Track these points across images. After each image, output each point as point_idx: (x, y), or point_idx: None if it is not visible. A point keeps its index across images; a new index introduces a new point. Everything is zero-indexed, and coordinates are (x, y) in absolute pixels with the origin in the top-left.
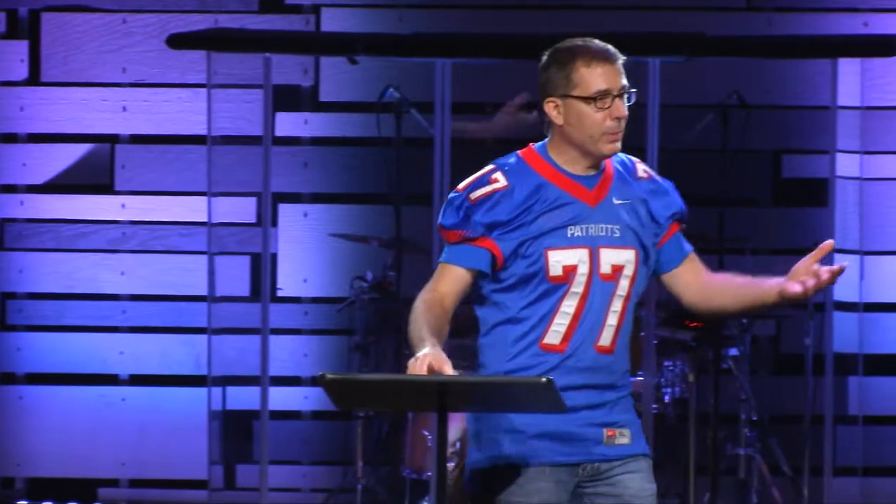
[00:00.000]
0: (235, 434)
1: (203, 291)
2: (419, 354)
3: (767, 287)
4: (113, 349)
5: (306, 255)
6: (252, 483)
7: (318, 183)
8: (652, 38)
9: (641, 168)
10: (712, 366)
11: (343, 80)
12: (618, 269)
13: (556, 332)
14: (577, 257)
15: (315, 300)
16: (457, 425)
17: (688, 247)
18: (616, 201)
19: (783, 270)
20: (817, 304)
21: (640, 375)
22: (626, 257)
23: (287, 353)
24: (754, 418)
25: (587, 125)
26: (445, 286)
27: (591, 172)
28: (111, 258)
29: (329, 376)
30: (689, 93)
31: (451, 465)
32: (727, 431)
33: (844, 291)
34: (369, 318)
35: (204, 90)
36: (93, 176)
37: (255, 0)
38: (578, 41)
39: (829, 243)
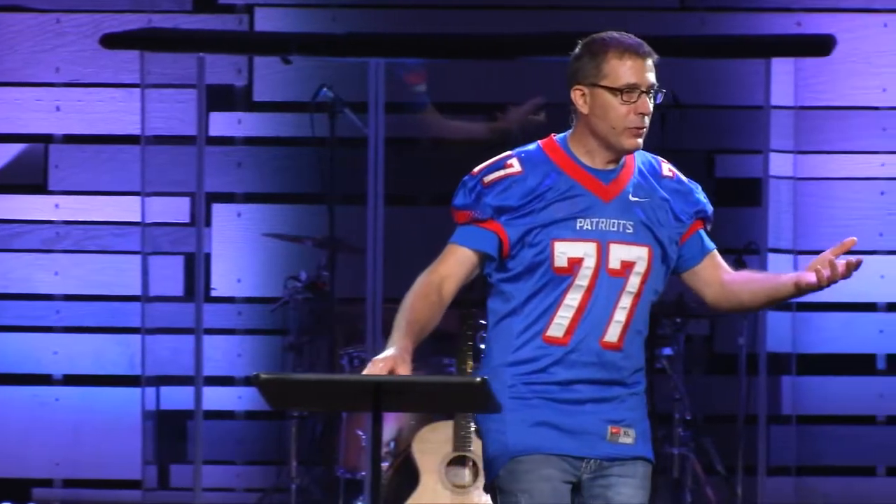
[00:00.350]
0: (169, 434)
1: (137, 291)
2: (380, 357)
3: (784, 280)
4: (47, 349)
5: (240, 255)
6: (186, 483)
7: (252, 183)
8: (582, 38)
9: (667, 167)
10: (646, 365)
11: (277, 80)
12: (628, 266)
13: (559, 324)
14: (583, 250)
15: (249, 300)
16: (391, 425)
17: (710, 245)
18: (633, 198)
19: None
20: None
21: None
22: (637, 254)
23: (221, 353)
24: (688, 418)
25: (611, 117)
26: (448, 267)
27: (610, 167)
28: (45, 258)
29: (263, 376)
30: None
31: (385, 464)
32: (661, 431)
33: None
34: (303, 318)
35: (137, 90)
36: (26, 176)
37: (188, 0)
38: (615, 34)
39: (851, 240)
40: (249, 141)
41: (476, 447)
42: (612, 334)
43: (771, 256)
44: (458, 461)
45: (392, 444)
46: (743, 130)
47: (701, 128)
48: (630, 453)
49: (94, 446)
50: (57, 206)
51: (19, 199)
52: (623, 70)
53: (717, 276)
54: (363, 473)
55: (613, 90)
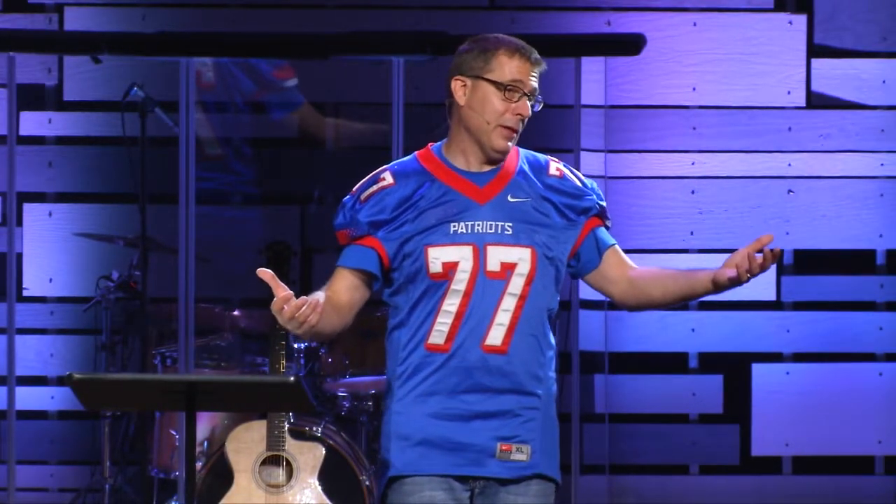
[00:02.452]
0: None
1: None
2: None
3: (701, 277)
4: None
5: (52, 254)
6: None
7: (63, 182)
8: (395, 37)
9: (555, 167)
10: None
11: (87, 80)
12: (508, 267)
13: (439, 331)
14: (458, 254)
15: (61, 300)
16: (204, 424)
17: (607, 242)
18: (512, 199)
19: None
20: (563, 302)
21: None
22: (518, 255)
23: (33, 353)
24: None
25: (488, 111)
26: (336, 287)
27: (486, 169)
28: None
29: (77, 376)
30: (434, 91)
31: (198, 464)
32: None
33: (589, 290)
34: (115, 318)
35: None
36: None
37: None
38: (510, 36)
39: (768, 236)
40: (60, 140)
41: (290, 446)
42: (495, 338)
43: None
44: (272, 460)
45: (206, 444)
46: (554, 130)
47: None
48: (523, 472)
49: None
50: None
51: None
52: (510, 67)
53: (622, 273)
54: (177, 473)
55: (497, 84)
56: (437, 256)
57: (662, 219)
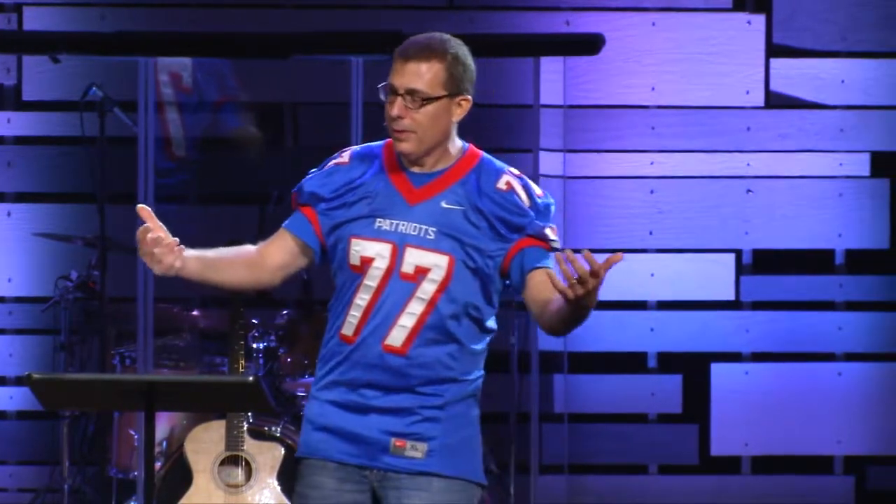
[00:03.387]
0: None
1: None
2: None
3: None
4: None
5: (10, 254)
6: None
7: (22, 182)
8: (355, 37)
9: (505, 180)
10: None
11: (46, 79)
12: (422, 272)
13: (350, 323)
14: (376, 250)
15: (19, 300)
16: (163, 424)
17: (531, 264)
18: (445, 205)
19: None
20: (521, 302)
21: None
22: (434, 261)
23: None
24: None
25: (386, 114)
26: (270, 244)
27: (426, 171)
28: None
29: (35, 376)
30: None
31: (157, 464)
32: None
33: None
34: (74, 318)
35: None
36: None
37: None
38: (428, 33)
39: (617, 256)
40: (19, 140)
41: (249, 446)
42: (396, 338)
43: None
44: (232, 460)
45: (164, 444)
46: (513, 129)
47: (471, 127)
48: (416, 468)
49: None
50: None
51: None
52: (392, 70)
53: (540, 296)
54: (136, 473)
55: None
56: (358, 249)
57: (622, 218)
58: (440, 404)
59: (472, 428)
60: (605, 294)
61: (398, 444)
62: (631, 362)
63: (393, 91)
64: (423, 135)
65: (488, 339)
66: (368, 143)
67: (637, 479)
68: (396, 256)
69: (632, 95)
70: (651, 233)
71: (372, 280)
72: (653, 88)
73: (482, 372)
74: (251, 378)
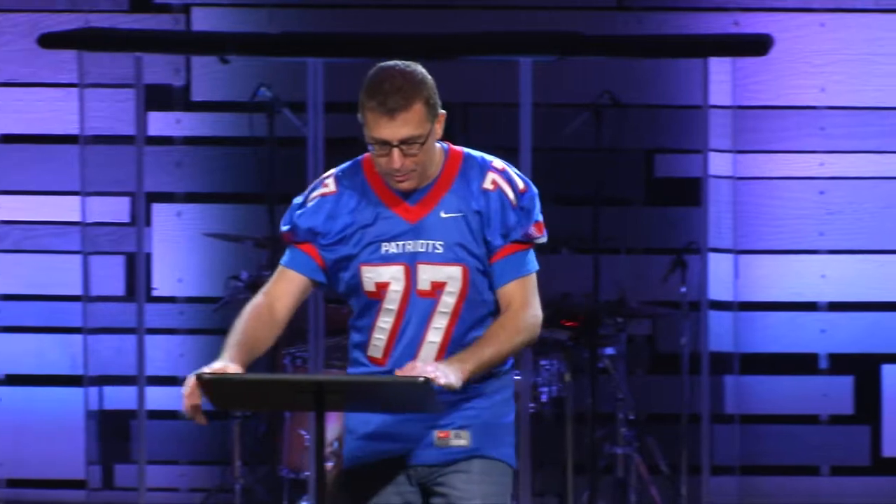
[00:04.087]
0: (113, 434)
1: (78, 291)
2: (193, 375)
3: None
4: None
5: (181, 254)
6: (130, 483)
7: (192, 182)
8: (523, 38)
9: (491, 179)
10: (589, 365)
11: (215, 80)
12: (438, 286)
13: (376, 346)
14: (390, 274)
15: (190, 300)
16: (334, 424)
17: (512, 274)
18: (444, 215)
19: (657, 269)
20: (692, 304)
21: (517, 375)
22: (448, 273)
23: (163, 353)
24: (631, 417)
25: (376, 162)
26: (278, 289)
27: (420, 185)
28: None
29: (206, 376)
30: (561, 92)
31: (329, 464)
32: (605, 431)
33: (719, 291)
34: None
35: (76, 90)
36: None
37: (125, 0)
38: (384, 73)
39: (410, 365)
40: (188, 141)
41: None
42: (427, 355)
43: (711, 256)
44: None
45: (336, 444)
46: (682, 130)
47: (640, 128)
48: (463, 454)
49: (38, 446)
50: None
51: None
52: (372, 124)
53: (504, 306)
54: (307, 473)
55: (368, 139)
56: (371, 276)
57: (791, 219)
58: (479, 394)
59: (510, 414)
60: (776, 295)
61: (441, 435)
62: (802, 363)
63: (384, 143)
64: (423, 168)
65: None
66: (343, 165)
67: (808, 481)
68: (410, 276)
69: (801, 96)
70: (821, 234)
71: (391, 303)
72: (822, 89)
73: (512, 358)
74: (422, 378)
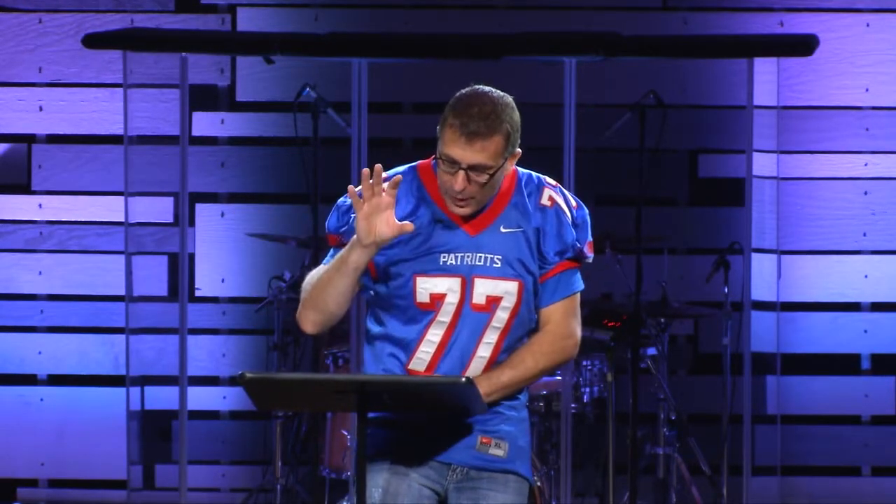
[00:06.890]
0: (154, 434)
1: (121, 291)
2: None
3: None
4: (31, 349)
5: (224, 254)
6: (171, 483)
7: (236, 182)
8: (568, 38)
9: (548, 195)
10: (630, 365)
11: (259, 80)
12: (494, 301)
13: (420, 359)
14: (446, 285)
15: (233, 300)
16: None
17: (561, 293)
18: (504, 230)
19: (700, 269)
20: (735, 304)
21: (558, 375)
22: (504, 288)
23: (205, 353)
24: (673, 418)
25: (439, 176)
26: None
27: (471, 213)
28: (28, 258)
29: (249, 376)
30: (605, 92)
31: None
32: (646, 431)
33: (762, 291)
34: (287, 318)
35: (120, 90)
36: (9, 176)
37: (170, 0)
38: (476, 96)
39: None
40: (233, 141)
41: None
42: (476, 369)
43: (755, 256)
44: None
45: None
46: (726, 130)
47: (684, 128)
48: (500, 466)
49: (80, 446)
50: (40, 206)
51: (2, 199)
52: (450, 140)
53: (542, 320)
54: (348, 473)
55: (440, 153)
56: (426, 287)
57: (835, 220)
58: (517, 405)
59: (529, 431)
60: (818, 296)
61: (484, 440)
62: (844, 364)
63: (454, 163)
64: (483, 197)
65: None
66: (396, 170)
67: (850, 481)
68: (465, 289)
69: (845, 96)
70: (865, 234)
71: (445, 316)
72: (867, 89)
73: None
74: (465, 378)
